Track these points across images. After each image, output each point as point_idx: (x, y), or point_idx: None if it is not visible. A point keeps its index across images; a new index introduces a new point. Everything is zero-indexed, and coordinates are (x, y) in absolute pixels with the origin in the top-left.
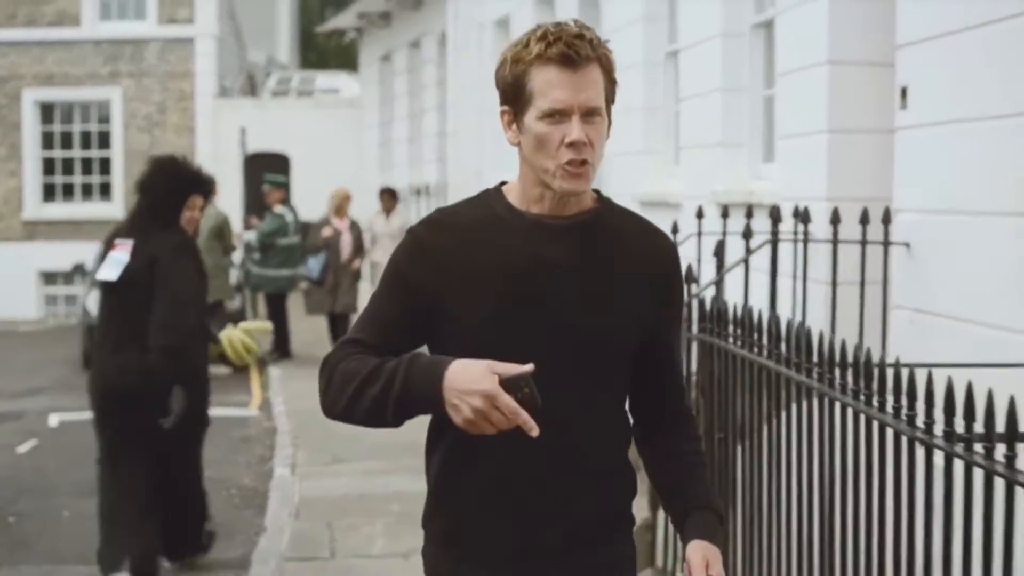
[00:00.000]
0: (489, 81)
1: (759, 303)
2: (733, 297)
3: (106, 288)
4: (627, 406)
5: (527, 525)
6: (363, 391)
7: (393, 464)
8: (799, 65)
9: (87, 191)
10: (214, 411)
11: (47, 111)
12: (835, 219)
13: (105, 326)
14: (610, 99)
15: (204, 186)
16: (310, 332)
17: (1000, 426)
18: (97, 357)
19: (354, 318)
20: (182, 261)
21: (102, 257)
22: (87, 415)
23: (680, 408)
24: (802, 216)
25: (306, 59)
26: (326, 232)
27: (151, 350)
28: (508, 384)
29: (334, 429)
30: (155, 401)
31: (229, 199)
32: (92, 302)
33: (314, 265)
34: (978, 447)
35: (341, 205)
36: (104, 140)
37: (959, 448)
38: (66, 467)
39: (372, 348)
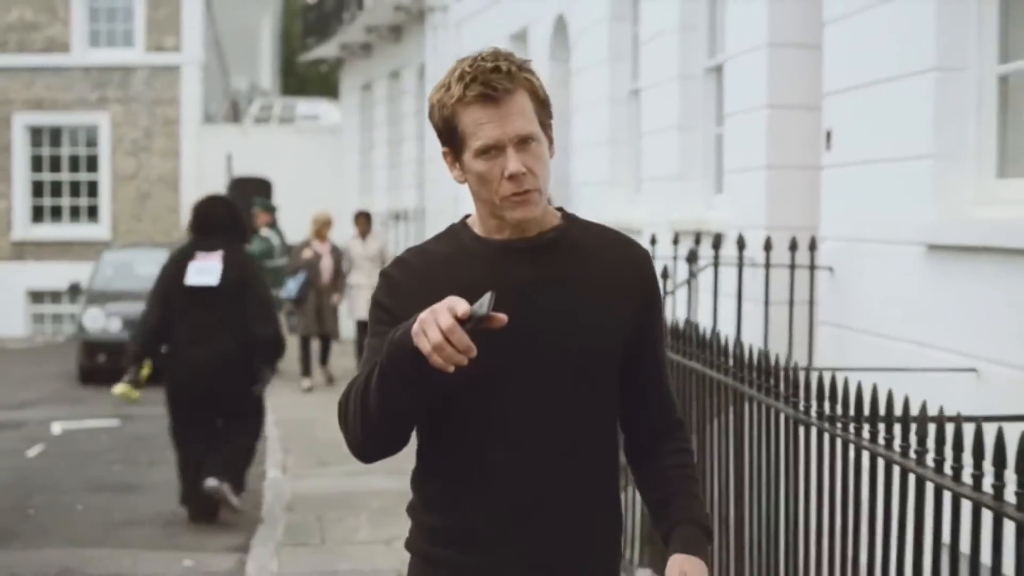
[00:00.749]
0: None
1: (704, 320)
2: (681, 315)
3: (198, 291)
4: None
5: (512, 552)
6: (367, 389)
7: (373, 467)
8: (743, 107)
9: (75, 213)
10: None
11: (36, 135)
12: (768, 246)
13: (192, 321)
14: (544, 118)
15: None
16: (292, 349)
17: (907, 421)
18: (183, 344)
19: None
20: (260, 269)
21: (173, 269)
22: (87, 423)
23: (670, 419)
24: (739, 243)
25: (287, 86)
26: (306, 254)
27: (259, 336)
28: (468, 317)
29: (319, 437)
30: (247, 375)
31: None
32: (90, 319)
33: (292, 286)
34: (890, 442)
35: (322, 228)
36: (92, 164)
37: (865, 439)
38: (74, 468)
39: None
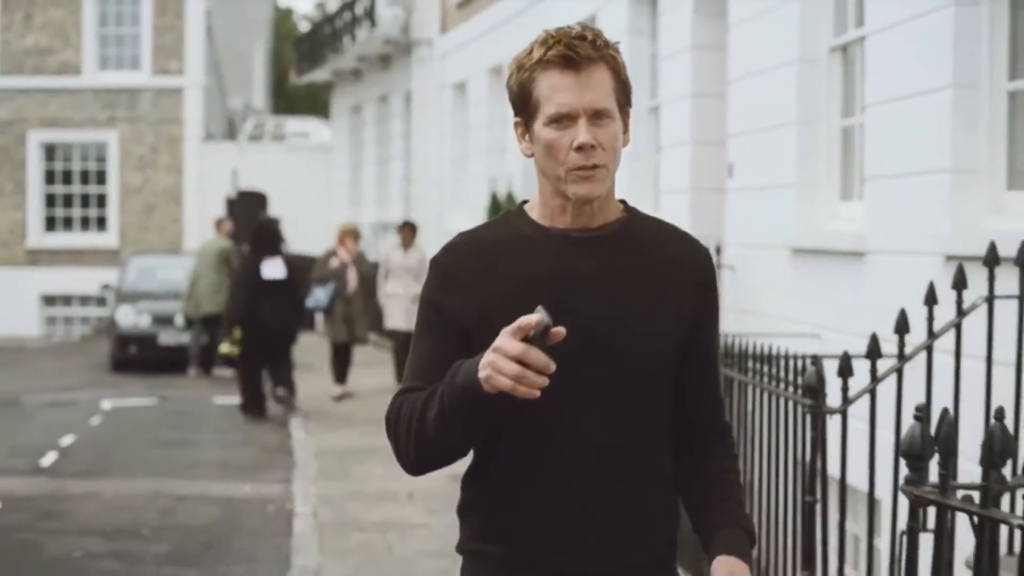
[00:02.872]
0: (448, 134)
1: None
2: None
3: (271, 281)
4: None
5: (569, 552)
6: (424, 420)
7: (379, 429)
8: (674, 142)
9: (85, 223)
10: (230, 400)
11: (50, 151)
12: None
13: (268, 302)
14: (623, 101)
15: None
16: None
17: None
18: (261, 314)
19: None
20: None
21: (251, 268)
22: (131, 402)
23: (717, 423)
24: None
25: (277, 105)
26: (333, 263)
27: (299, 306)
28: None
29: (332, 409)
30: (293, 331)
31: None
32: (122, 315)
33: (322, 295)
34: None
35: (346, 237)
36: (101, 178)
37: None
38: (133, 432)
39: (422, 392)
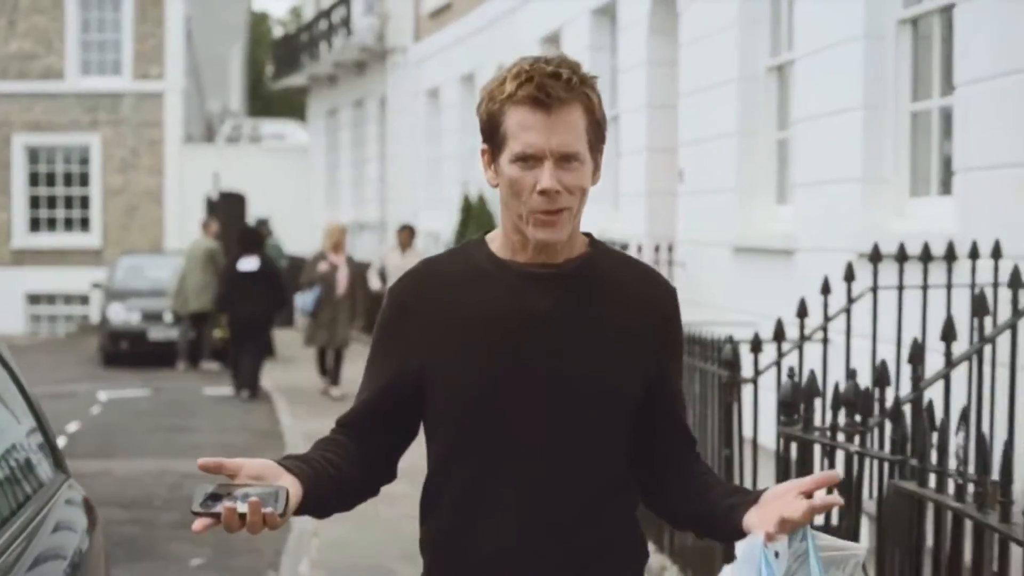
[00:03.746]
0: (422, 138)
1: None
2: None
3: (248, 274)
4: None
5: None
6: None
7: None
8: (631, 149)
9: (69, 224)
10: (220, 391)
11: (34, 154)
12: (640, 249)
13: (245, 292)
14: (594, 141)
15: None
16: (285, 335)
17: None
18: (239, 302)
19: (348, 351)
20: (275, 263)
21: (231, 265)
22: (126, 393)
23: (690, 451)
24: (622, 247)
25: (253, 107)
26: (322, 267)
27: (276, 298)
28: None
29: (317, 397)
30: (269, 317)
31: (195, 232)
32: (113, 312)
33: (308, 299)
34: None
35: (338, 240)
36: (84, 180)
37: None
38: (132, 419)
39: (349, 427)
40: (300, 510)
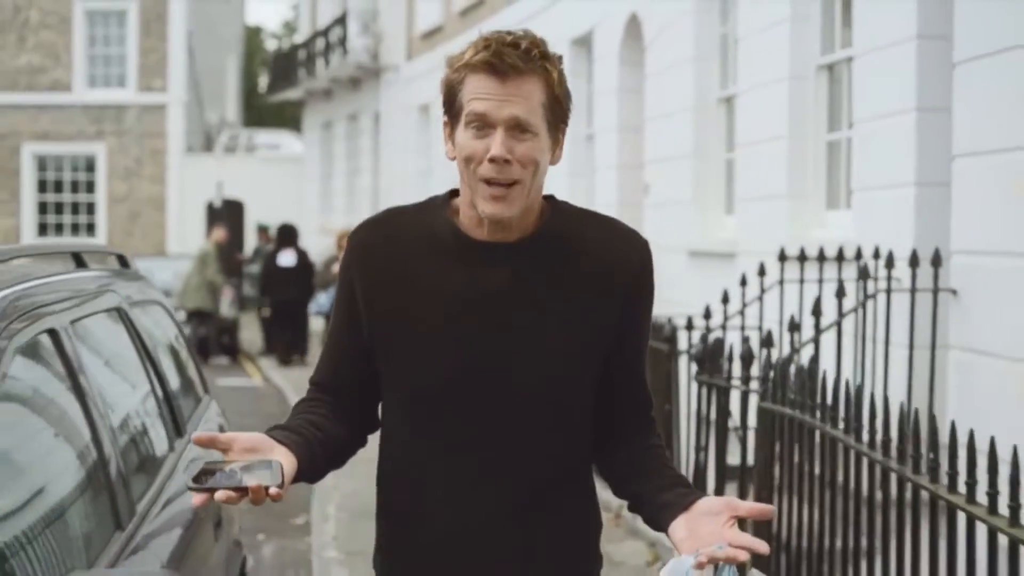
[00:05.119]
0: (413, 151)
1: None
2: None
3: (286, 269)
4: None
5: (484, 570)
6: None
7: None
8: (604, 165)
9: (75, 229)
10: (232, 382)
11: (42, 162)
12: None
13: (284, 282)
14: (553, 118)
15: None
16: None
17: None
18: (279, 290)
19: None
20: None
21: (271, 258)
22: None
23: (644, 418)
24: None
25: (248, 118)
26: (335, 270)
27: (307, 286)
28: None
29: None
30: (303, 304)
31: (195, 237)
32: None
33: (324, 300)
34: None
35: (345, 242)
36: (90, 187)
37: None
38: None
39: (323, 387)
40: (296, 478)
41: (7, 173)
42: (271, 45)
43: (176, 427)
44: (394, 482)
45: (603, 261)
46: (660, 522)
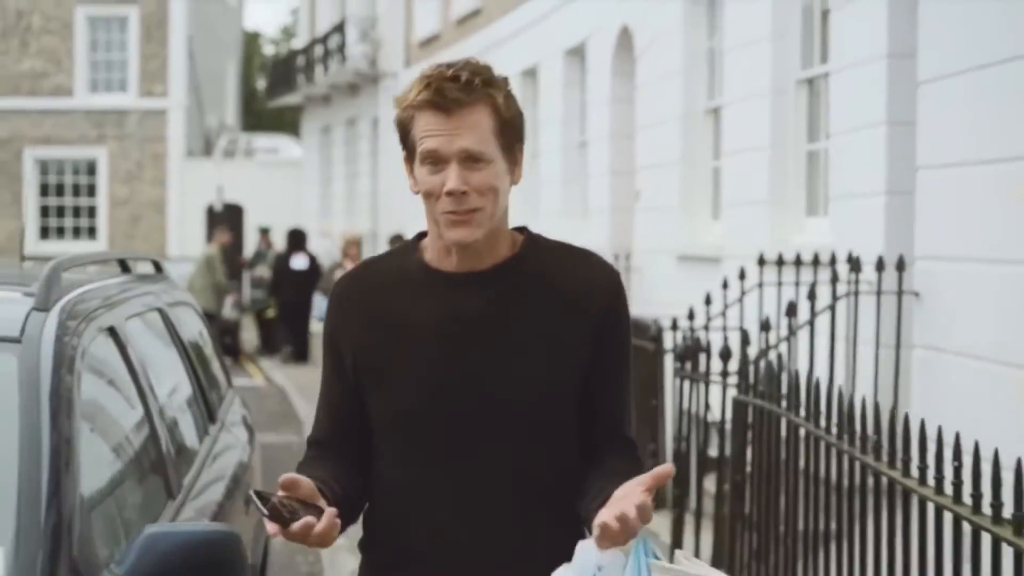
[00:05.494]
0: None
1: None
2: None
3: (299, 272)
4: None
5: None
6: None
7: None
8: (597, 172)
9: (77, 232)
10: (240, 382)
11: (44, 166)
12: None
13: (294, 283)
14: (506, 141)
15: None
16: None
17: None
18: (288, 291)
19: None
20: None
21: (283, 262)
22: None
23: (620, 440)
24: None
25: (247, 122)
26: (338, 275)
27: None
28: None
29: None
30: (309, 304)
31: (195, 241)
32: None
33: (324, 305)
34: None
35: (351, 248)
36: (91, 191)
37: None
38: None
39: (324, 445)
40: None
41: (9, 177)
42: (269, 50)
43: (209, 415)
44: (380, 509)
45: (575, 286)
46: (589, 526)
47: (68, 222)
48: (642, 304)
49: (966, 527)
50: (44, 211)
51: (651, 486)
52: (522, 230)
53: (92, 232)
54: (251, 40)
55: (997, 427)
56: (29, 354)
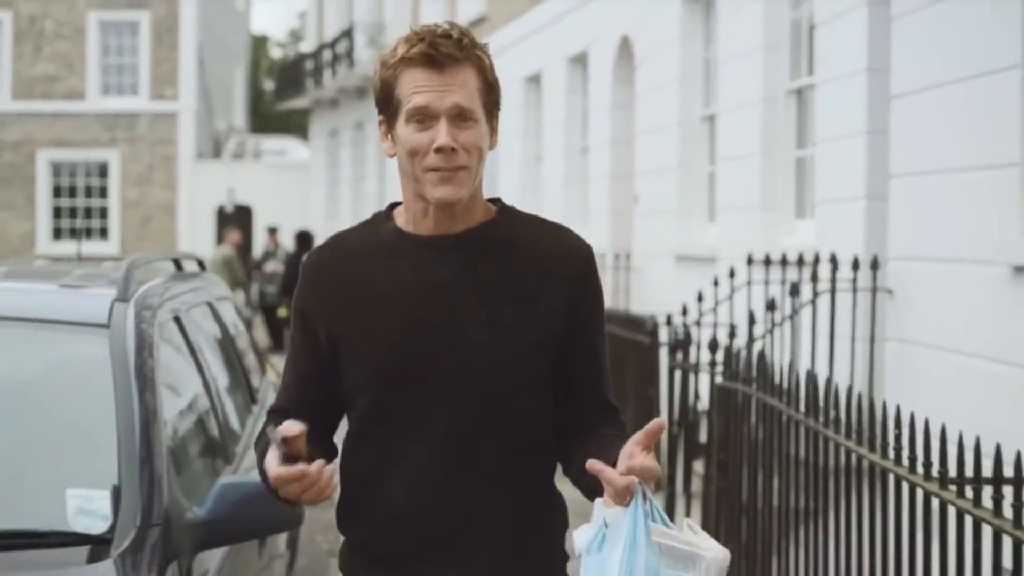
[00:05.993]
0: None
1: None
2: None
3: None
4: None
5: (441, 565)
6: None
7: None
8: (598, 176)
9: (89, 233)
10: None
11: (57, 168)
12: (603, 256)
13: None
14: (489, 103)
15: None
16: None
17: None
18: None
19: None
20: None
21: (295, 261)
22: None
23: (600, 420)
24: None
25: (255, 124)
26: None
27: None
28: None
29: None
30: None
31: (205, 242)
32: None
33: None
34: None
35: None
36: (103, 192)
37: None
38: None
39: (289, 415)
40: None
41: (23, 179)
42: (276, 53)
43: (251, 396)
44: (355, 476)
45: (551, 253)
46: (595, 488)
47: (80, 223)
48: (641, 303)
49: (934, 502)
50: (57, 212)
51: (648, 444)
52: (495, 201)
53: (104, 233)
54: (258, 43)
55: (964, 412)
56: (116, 337)
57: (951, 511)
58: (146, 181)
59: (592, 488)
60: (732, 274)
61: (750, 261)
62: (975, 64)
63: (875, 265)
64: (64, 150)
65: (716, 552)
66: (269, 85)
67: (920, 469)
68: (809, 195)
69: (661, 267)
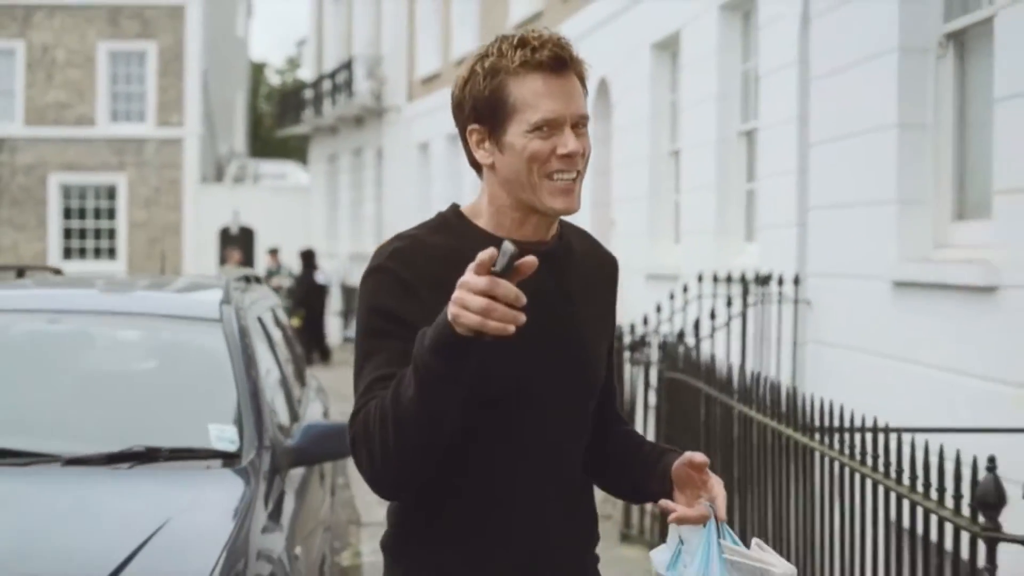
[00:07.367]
0: (414, 184)
1: None
2: None
3: (322, 286)
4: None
5: (520, 559)
6: (400, 405)
7: None
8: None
9: (98, 253)
10: None
11: (67, 191)
12: None
13: (318, 295)
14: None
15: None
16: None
17: None
18: (313, 302)
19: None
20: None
21: (307, 276)
22: None
23: (619, 419)
24: None
25: (254, 148)
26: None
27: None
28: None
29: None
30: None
31: (209, 261)
32: None
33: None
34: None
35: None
36: (112, 214)
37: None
38: None
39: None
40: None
41: (35, 201)
42: (275, 80)
43: (302, 381)
44: (454, 498)
45: (601, 258)
46: (638, 493)
47: (90, 243)
48: (618, 315)
49: (845, 471)
50: (67, 233)
51: (706, 474)
52: None
53: (112, 253)
54: (257, 71)
55: (867, 399)
56: (227, 328)
57: (856, 477)
58: (153, 204)
59: (642, 494)
60: (685, 289)
61: (700, 278)
62: (867, 122)
63: (797, 280)
64: (74, 174)
65: (784, 568)
66: (269, 110)
67: (836, 445)
68: (757, 222)
69: (634, 284)
